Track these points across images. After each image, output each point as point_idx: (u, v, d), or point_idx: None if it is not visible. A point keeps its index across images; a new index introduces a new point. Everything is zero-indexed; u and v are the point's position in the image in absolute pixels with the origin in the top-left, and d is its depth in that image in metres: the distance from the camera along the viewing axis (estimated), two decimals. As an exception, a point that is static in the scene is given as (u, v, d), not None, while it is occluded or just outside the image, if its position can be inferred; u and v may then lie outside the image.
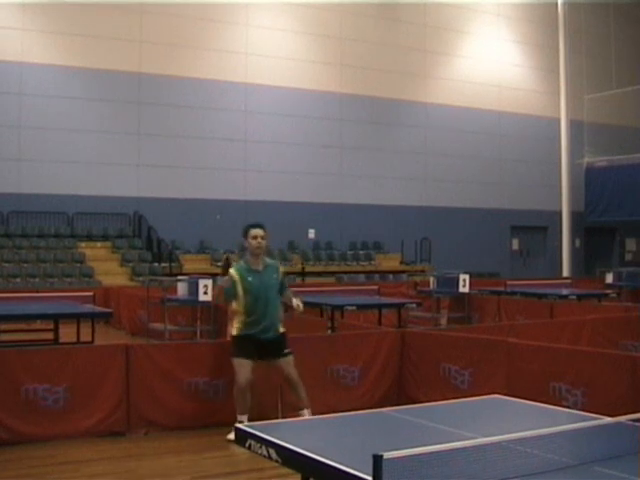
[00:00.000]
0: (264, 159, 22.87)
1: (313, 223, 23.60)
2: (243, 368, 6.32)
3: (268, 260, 6.68)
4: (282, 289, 6.62)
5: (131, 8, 21.21)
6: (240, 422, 6.26)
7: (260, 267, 6.51)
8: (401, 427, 3.88)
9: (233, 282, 6.50)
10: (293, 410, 6.50)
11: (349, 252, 23.55)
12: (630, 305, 12.71)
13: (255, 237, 6.45)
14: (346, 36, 24.25)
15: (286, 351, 6.50)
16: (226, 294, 6.58)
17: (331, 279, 21.13)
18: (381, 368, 7.56)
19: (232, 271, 6.58)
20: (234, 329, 6.54)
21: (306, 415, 6.30)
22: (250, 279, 6.44)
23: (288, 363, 6.47)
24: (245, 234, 6.53)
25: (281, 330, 6.54)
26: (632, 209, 26.57)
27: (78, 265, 19.28)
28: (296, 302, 6.61)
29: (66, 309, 10.62)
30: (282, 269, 6.73)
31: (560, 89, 27.75)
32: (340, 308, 11.00)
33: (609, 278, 16.12)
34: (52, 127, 20.34)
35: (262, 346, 6.41)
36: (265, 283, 6.45)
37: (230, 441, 6.09)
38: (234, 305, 6.52)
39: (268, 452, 3.39)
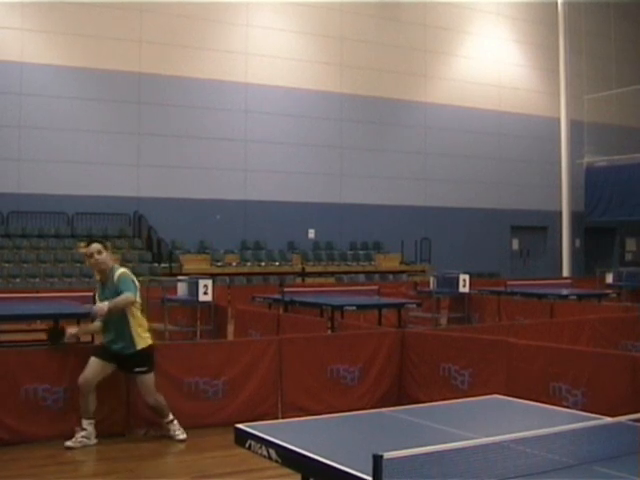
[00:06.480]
0: (264, 159, 22.86)
1: (313, 223, 23.59)
2: (88, 366, 6.22)
3: (116, 269, 6.33)
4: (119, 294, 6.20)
5: (131, 8, 21.20)
6: (84, 429, 6.10)
7: (104, 279, 6.44)
8: (401, 427, 3.88)
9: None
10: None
11: (349, 252, 23.52)
12: (630, 305, 12.73)
13: (86, 256, 6.52)
14: (346, 36, 24.24)
15: (137, 369, 6.25)
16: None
17: (331, 279, 21.10)
18: (381, 368, 7.56)
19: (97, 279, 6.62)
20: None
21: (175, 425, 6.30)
22: (99, 292, 6.47)
23: (142, 382, 6.27)
24: None
25: (138, 347, 6.24)
26: (632, 209, 26.57)
27: (78, 265, 19.25)
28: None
29: (66, 309, 10.58)
30: (120, 273, 6.28)
31: (560, 89, 27.71)
32: (340, 308, 10.99)
33: (609, 278, 16.16)
34: (52, 127, 20.33)
35: (117, 358, 6.29)
36: (105, 296, 6.29)
37: (69, 448, 6.01)
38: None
39: (268, 452, 3.39)
